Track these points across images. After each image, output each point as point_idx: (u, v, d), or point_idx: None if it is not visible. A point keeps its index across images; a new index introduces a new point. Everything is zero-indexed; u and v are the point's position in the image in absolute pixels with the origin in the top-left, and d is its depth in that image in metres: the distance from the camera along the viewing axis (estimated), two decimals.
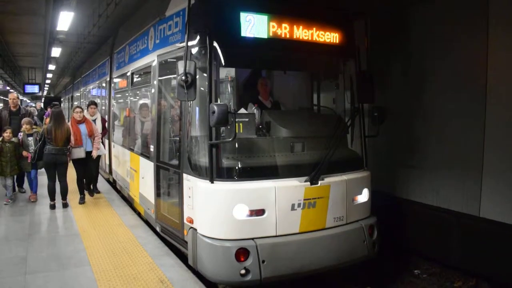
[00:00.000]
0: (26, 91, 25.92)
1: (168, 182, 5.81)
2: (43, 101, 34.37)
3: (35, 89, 25.41)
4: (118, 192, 9.12)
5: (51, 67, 22.69)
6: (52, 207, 7.61)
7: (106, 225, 6.66)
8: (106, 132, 9.20)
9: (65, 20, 10.77)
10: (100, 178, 10.76)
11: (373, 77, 5.60)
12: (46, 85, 39.24)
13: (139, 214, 7.26)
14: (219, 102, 4.56)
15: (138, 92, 8.09)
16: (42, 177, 8.08)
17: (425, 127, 6.90)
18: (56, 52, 16.63)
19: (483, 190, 6.02)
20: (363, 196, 5.35)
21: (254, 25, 4.73)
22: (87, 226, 6.61)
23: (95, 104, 9.27)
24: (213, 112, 4.19)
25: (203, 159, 4.73)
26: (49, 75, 29.76)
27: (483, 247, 5.93)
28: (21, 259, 5.22)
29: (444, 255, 6.55)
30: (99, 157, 8.56)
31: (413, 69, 7.10)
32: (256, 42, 4.78)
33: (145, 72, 7.02)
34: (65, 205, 7.71)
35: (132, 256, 5.33)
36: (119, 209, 7.71)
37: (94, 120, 8.64)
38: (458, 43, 6.31)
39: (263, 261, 4.44)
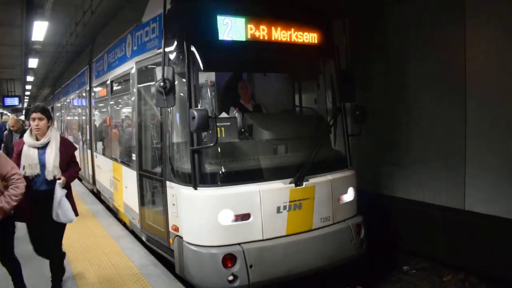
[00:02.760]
0: (6, 104, 25.44)
1: (151, 191, 5.73)
2: (23, 113, 33.82)
3: (15, 101, 24.95)
4: (103, 202, 8.97)
5: (30, 78, 22.35)
6: None
7: (91, 237, 6.53)
8: (74, 172, 4.52)
9: (39, 30, 10.60)
10: (84, 190, 10.64)
11: (354, 76, 5.62)
12: (26, 97, 38.60)
13: (124, 225, 7.15)
14: (199, 107, 4.51)
15: (118, 100, 7.99)
16: None
17: (407, 124, 6.93)
18: (33, 63, 16.37)
19: (467, 183, 6.08)
20: (349, 195, 5.34)
21: (231, 28, 4.69)
22: (71, 239, 6.42)
23: (44, 112, 4.31)
24: (193, 118, 4.13)
25: (185, 166, 4.66)
26: (28, 87, 29.28)
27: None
28: (2, 277, 5.06)
29: (431, 250, 6.58)
30: (62, 224, 4.41)
31: (394, 66, 7.13)
32: (234, 45, 4.74)
33: (124, 79, 6.92)
34: None
35: (118, 268, 5.23)
36: (104, 220, 7.58)
37: (45, 146, 4.24)
38: (437, 39, 6.36)
39: (251, 266, 4.39)
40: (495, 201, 5.69)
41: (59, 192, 4.18)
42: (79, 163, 4.76)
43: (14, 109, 37.91)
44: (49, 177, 4.19)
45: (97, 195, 9.64)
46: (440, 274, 6.29)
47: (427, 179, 6.65)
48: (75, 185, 11.18)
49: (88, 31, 11.36)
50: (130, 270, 5.17)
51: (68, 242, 6.28)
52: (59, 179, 4.20)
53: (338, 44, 5.65)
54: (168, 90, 4.29)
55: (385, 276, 6.37)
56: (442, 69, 6.32)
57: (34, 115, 4.29)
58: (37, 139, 4.30)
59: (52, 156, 4.22)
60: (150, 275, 4.96)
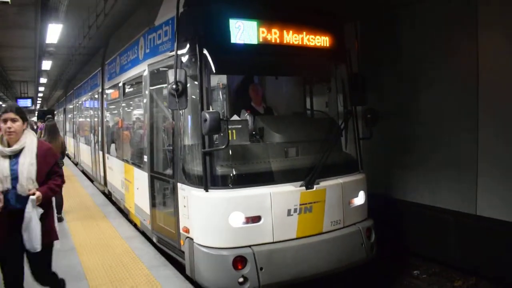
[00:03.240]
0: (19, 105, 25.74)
1: (163, 192, 5.77)
2: (36, 114, 34.21)
3: (27, 103, 25.32)
4: (114, 204, 9.04)
5: (43, 80, 22.62)
6: None
7: (102, 238, 6.58)
8: (55, 185, 3.72)
9: (54, 32, 10.75)
10: (95, 191, 10.73)
11: (365, 79, 5.61)
12: (39, 99, 39.07)
13: (135, 226, 7.20)
14: (211, 109, 4.54)
15: (130, 102, 8.05)
16: None
17: (419, 128, 6.90)
18: (47, 65, 16.56)
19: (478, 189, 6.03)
20: (360, 199, 5.33)
21: (243, 32, 4.71)
22: (83, 239, 6.54)
23: (18, 112, 3.64)
24: (205, 120, 4.16)
25: (197, 168, 4.69)
26: (41, 89, 29.66)
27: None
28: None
29: (443, 255, 6.54)
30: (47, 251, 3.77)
31: (407, 71, 7.11)
32: (246, 48, 4.76)
33: (137, 82, 6.98)
34: (59, 219, 7.62)
35: (129, 269, 5.27)
36: (115, 221, 7.63)
37: (18, 154, 3.55)
38: (449, 44, 6.34)
39: (261, 268, 4.39)
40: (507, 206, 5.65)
41: (30, 211, 3.39)
42: (63, 175, 3.95)
43: (26, 111, 38.35)
44: (23, 192, 3.45)
45: (108, 196, 9.71)
46: (451, 279, 6.24)
47: (439, 183, 6.61)
48: (87, 187, 11.35)
49: (101, 34, 11.47)
50: (141, 271, 5.20)
51: (80, 242, 6.38)
52: (33, 194, 3.42)
53: (349, 47, 5.65)
54: (180, 92, 4.32)
55: (395, 280, 6.34)
56: (455, 73, 6.29)
57: (5, 115, 3.52)
58: (9, 145, 3.54)
59: (26, 166, 3.47)
60: (161, 277, 4.99)
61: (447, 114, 6.43)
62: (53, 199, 7.21)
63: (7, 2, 7.81)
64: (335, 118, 5.78)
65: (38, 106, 42.79)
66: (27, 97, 25.95)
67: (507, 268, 5.60)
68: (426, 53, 6.69)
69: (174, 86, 4.29)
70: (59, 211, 7.67)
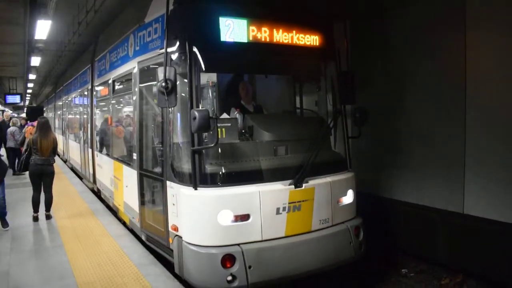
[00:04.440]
0: (7, 101, 25.52)
1: (152, 190, 5.75)
2: (25, 111, 33.84)
3: (16, 99, 25.01)
4: (103, 201, 8.99)
5: (32, 76, 22.38)
6: (35, 219, 7.46)
7: (91, 236, 6.55)
8: None
9: (43, 28, 10.61)
10: (84, 188, 10.67)
11: (354, 78, 5.63)
12: (28, 95, 38.64)
13: (124, 224, 7.16)
14: (200, 107, 4.53)
15: (120, 100, 8.01)
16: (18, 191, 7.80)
17: (407, 127, 6.96)
18: (36, 61, 16.37)
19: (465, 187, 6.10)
20: (348, 198, 5.36)
21: (233, 30, 4.71)
22: (71, 237, 6.50)
23: None
24: (194, 118, 4.16)
25: (186, 166, 4.68)
26: (30, 85, 29.32)
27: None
28: (3, 274, 5.11)
29: (430, 253, 6.60)
30: None
31: (395, 70, 7.15)
32: (236, 46, 4.77)
33: (126, 79, 6.94)
34: (48, 217, 7.58)
35: (117, 267, 5.25)
36: (104, 219, 7.59)
37: None
38: (437, 44, 6.38)
39: (250, 267, 4.41)
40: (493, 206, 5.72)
41: None
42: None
43: (15, 107, 37.98)
44: None
45: (97, 194, 9.66)
46: (438, 277, 6.30)
47: (427, 182, 6.67)
48: (76, 184, 11.28)
49: (90, 31, 11.40)
50: (129, 268, 5.18)
51: (68, 239, 6.34)
52: None
53: (339, 46, 5.67)
54: (169, 90, 4.32)
55: (383, 278, 6.38)
56: (442, 72, 6.34)
57: None
58: None
59: None
60: (150, 275, 4.98)
61: (435, 113, 6.49)
62: (42, 196, 7.23)
63: None
64: (325, 116, 5.81)
65: (27, 103, 42.34)
66: (16, 93, 25.61)
67: (494, 267, 5.67)
68: (414, 52, 6.73)
69: (163, 84, 4.29)
70: (48, 208, 7.63)
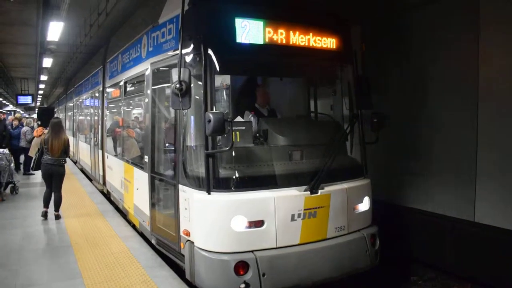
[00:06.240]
0: (19, 102, 25.80)
1: (163, 193, 5.65)
2: (36, 112, 34.13)
3: (28, 100, 25.30)
4: (112, 203, 8.94)
5: (43, 77, 22.55)
6: (44, 214, 7.56)
7: (99, 237, 6.50)
8: None
9: (55, 30, 10.68)
10: (93, 189, 10.64)
11: (370, 83, 5.50)
12: (39, 96, 38.99)
13: (133, 226, 7.08)
14: (214, 110, 4.43)
15: (131, 101, 7.96)
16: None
17: (423, 132, 6.82)
18: (47, 62, 16.49)
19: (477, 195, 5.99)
20: (364, 205, 5.22)
21: (249, 31, 4.60)
22: (80, 237, 6.46)
23: None
24: (209, 121, 4.05)
25: (199, 170, 4.57)
26: (42, 86, 29.59)
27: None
28: (13, 272, 5.10)
29: (440, 261, 6.49)
30: None
31: (411, 76, 7.02)
32: (252, 48, 4.66)
33: (138, 81, 6.87)
34: (57, 217, 7.59)
35: (125, 268, 5.19)
36: (113, 220, 7.55)
37: None
38: (451, 47, 6.27)
39: (263, 274, 4.28)
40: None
41: None
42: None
43: (27, 108, 38.38)
44: None
45: (107, 196, 9.60)
46: (447, 285, 6.21)
47: (439, 190, 6.56)
48: (86, 185, 11.27)
49: (102, 32, 11.41)
50: (137, 270, 5.12)
51: (76, 240, 6.30)
52: None
53: (356, 49, 5.54)
54: (184, 92, 4.22)
55: (392, 286, 6.28)
56: (455, 78, 6.25)
57: None
58: None
59: None
60: (157, 277, 4.92)
61: (449, 119, 6.40)
62: (52, 196, 7.34)
63: None
64: (340, 121, 5.67)
65: (38, 103, 42.73)
66: (28, 94, 25.90)
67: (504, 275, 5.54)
68: (431, 57, 6.63)
69: (177, 86, 4.19)
70: (57, 208, 7.65)
